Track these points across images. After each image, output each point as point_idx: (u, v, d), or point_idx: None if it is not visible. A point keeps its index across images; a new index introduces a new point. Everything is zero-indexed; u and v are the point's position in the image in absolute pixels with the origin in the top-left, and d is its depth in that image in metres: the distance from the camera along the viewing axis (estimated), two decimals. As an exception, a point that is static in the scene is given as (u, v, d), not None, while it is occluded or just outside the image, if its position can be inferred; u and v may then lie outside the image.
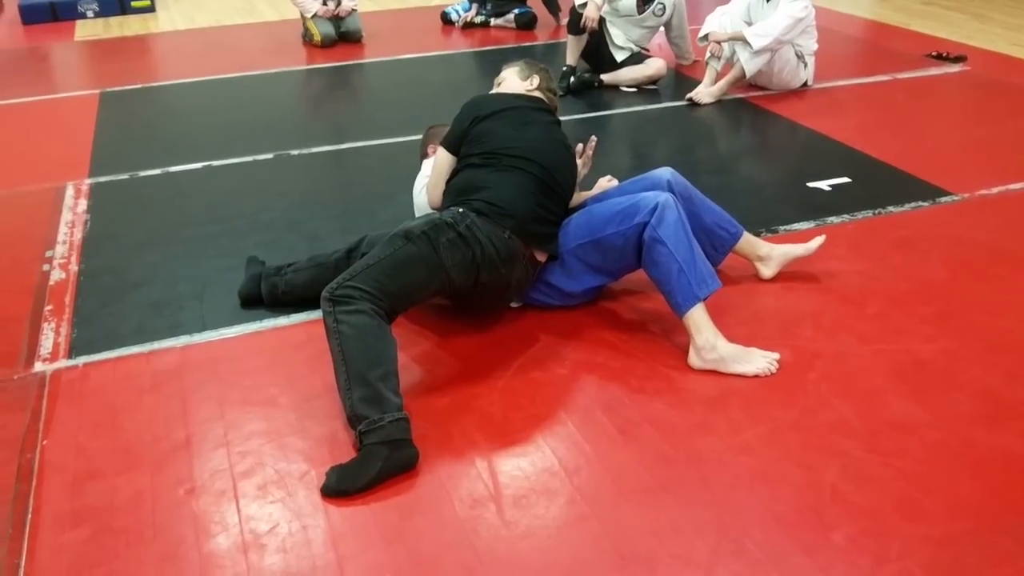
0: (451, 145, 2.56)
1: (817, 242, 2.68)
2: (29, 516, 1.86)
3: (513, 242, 2.33)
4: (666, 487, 1.91)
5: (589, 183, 2.78)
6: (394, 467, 1.92)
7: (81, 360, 2.42)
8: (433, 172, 2.60)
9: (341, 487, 1.89)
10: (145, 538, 1.80)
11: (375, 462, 1.90)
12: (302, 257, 2.72)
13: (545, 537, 1.79)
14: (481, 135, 2.50)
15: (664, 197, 2.34)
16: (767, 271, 2.69)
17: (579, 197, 2.66)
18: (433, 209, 2.62)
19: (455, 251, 2.24)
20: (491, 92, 2.72)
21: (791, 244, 2.70)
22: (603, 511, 1.85)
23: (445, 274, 2.24)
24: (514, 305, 2.58)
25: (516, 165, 2.42)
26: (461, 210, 2.32)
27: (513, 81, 2.73)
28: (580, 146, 2.69)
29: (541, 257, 2.46)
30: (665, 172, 2.56)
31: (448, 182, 2.53)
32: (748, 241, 2.68)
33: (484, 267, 2.28)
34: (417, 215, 2.87)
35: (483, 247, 2.26)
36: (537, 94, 2.67)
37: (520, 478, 1.95)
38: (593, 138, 2.71)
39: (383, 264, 2.18)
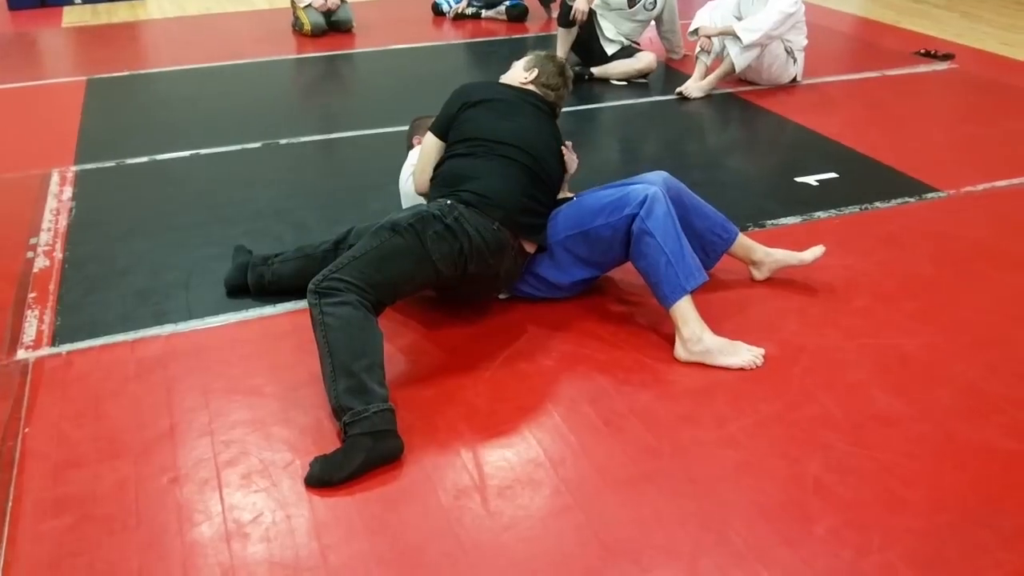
0: (439, 130, 2.55)
1: (813, 253, 2.60)
2: (10, 504, 1.85)
3: (502, 233, 2.32)
4: (650, 478, 1.91)
5: (576, 183, 2.75)
6: (378, 458, 1.92)
7: (65, 348, 2.41)
8: (420, 157, 2.60)
9: (324, 477, 1.89)
10: (128, 527, 1.79)
11: (359, 453, 1.90)
12: (289, 246, 2.71)
13: (529, 527, 1.79)
14: (469, 121, 2.49)
15: (653, 190, 2.34)
16: (759, 275, 2.68)
17: (564, 195, 2.64)
18: (419, 195, 2.61)
19: (442, 243, 2.23)
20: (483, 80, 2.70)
21: (787, 252, 2.64)
22: (587, 502, 1.85)
23: (432, 266, 2.23)
24: (501, 297, 2.58)
25: (505, 154, 2.41)
26: (449, 202, 2.31)
27: (516, 70, 2.71)
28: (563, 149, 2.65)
29: (530, 248, 2.45)
30: (658, 176, 2.49)
31: (436, 171, 2.52)
32: (742, 245, 2.63)
33: (472, 259, 2.27)
34: (404, 204, 2.87)
35: (471, 239, 2.26)
36: (531, 87, 2.65)
37: (505, 469, 1.95)
38: (567, 143, 2.65)
39: (369, 256, 2.17)
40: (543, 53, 2.73)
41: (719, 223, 2.59)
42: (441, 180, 2.46)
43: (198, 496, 1.88)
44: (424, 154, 2.57)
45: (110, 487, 1.90)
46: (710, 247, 2.60)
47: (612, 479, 1.91)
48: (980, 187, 3.38)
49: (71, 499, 1.86)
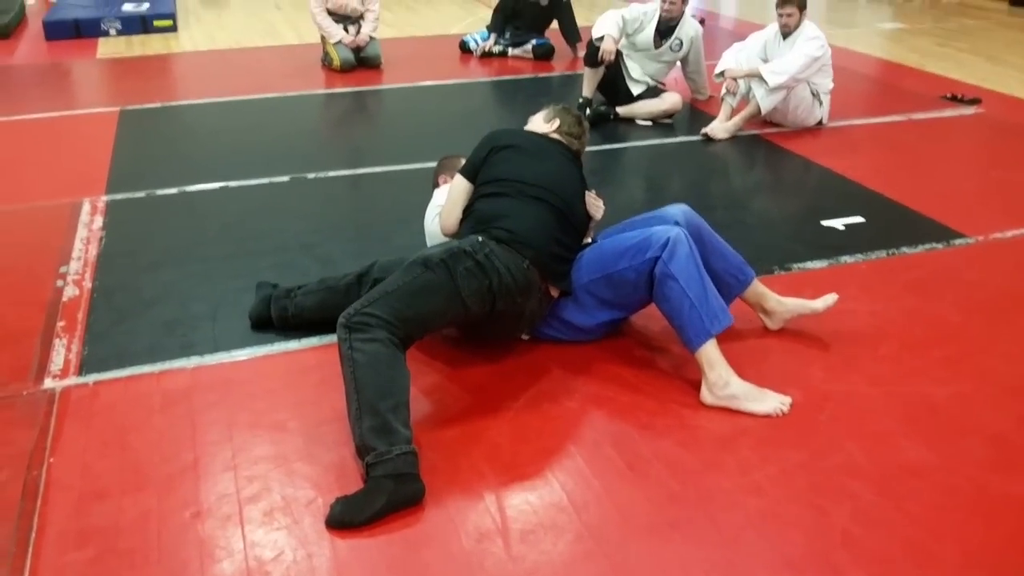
0: (468, 173, 2.57)
1: (825, 302, 2.56)
2: (33, 535, 1.86)
3: (531, 272, 2.33)
4: (674, 525, 1.89)
5: (600, 222, 2.74)
6: (399, 502, 1.91)
7: (91, 378, 2.42)
8: (448, 198, 2.62)
9: (345, 519, 1.88)
10: (150, 561, 1.79)
11: (380, 495, 1.89)
12: (315, 280, 2.73)
13: (551, 573, 1.77)
14: (498, 164, 2.51)
15: (675, 232, 2.34)
16: (771, 324, 2.64)
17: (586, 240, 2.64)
18: (446, 236, 2.62)
19: (472, 280, 2.24)
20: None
21: (799, 300, 2.61)
22: (610, 548, 1.83)
23: (462, 303, 2.24)
24: (524, 337, 2.57)
25: (536, 195, 2.43)
26: (480, 239, 2.33)
27: (537, 121, 2.76)
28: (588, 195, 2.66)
29: (554, 292, 2.45)
30: (677, 210, 2.51)
31: (466, 211, 2.54)
32: (755, 291, 2.60)
33: (501, 296, 2.28)
34: (429, 243, 2.88)
35: (500, 276, 2.27)
36: (556, 136, 2.68)
37: (528, 512, 1.94)
38: (592, 190, 2.67)
39: (401, 291, 2.18)
40: (559, 106, 2.78)
41: (737, 265, 2.57)
42: (473, 219, 2.48)
43: (220, 532, 1.87)
44: (452, 196, 2.59)
45: (133, 520, 1.90)
46: (724, 289, 2.53)
47: (636, 525, 1.89)
48: (1009, 233, 3.35)
49: (94, 531, 1.87)
